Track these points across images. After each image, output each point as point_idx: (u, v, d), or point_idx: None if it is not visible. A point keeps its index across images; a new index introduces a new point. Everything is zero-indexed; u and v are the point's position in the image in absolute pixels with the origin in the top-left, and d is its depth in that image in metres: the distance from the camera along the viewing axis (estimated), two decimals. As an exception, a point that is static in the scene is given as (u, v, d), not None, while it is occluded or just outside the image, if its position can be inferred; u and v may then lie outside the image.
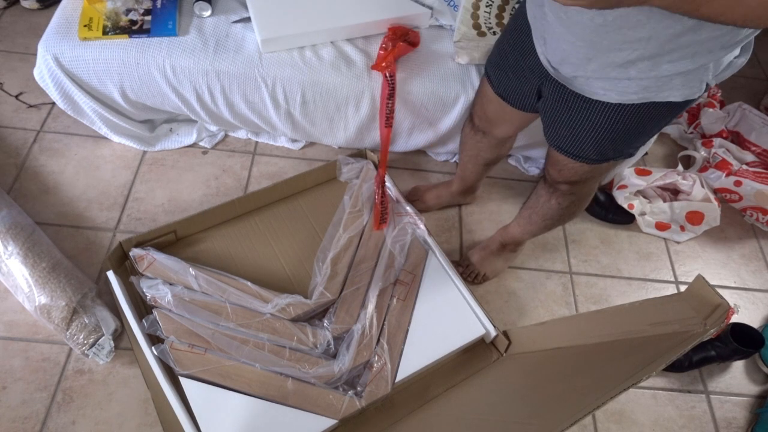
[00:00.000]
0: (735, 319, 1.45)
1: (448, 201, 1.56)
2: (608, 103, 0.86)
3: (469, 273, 1.44)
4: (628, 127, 0.89)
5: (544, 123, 1.03)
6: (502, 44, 1.06)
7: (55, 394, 1.18)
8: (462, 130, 1.33)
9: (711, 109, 1.79)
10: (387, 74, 1.38)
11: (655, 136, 1.50)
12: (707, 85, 0.81)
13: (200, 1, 1.39)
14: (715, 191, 1.68)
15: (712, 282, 1.38)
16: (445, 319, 1.27)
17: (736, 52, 0.78)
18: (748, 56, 0.81)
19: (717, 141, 1.74)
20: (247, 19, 1.42)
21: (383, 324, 1.24)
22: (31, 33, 1.77)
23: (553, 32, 0.84)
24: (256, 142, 1.64)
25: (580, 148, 0.97)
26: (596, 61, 0.79)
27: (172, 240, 1.32)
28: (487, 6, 1.31)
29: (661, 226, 1.61)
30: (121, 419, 1.16)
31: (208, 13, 1.41)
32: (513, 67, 1.02)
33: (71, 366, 1.21)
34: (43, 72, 1.36)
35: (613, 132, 0.91)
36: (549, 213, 1.20)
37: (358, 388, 1.16)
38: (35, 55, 1.35)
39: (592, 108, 0.89)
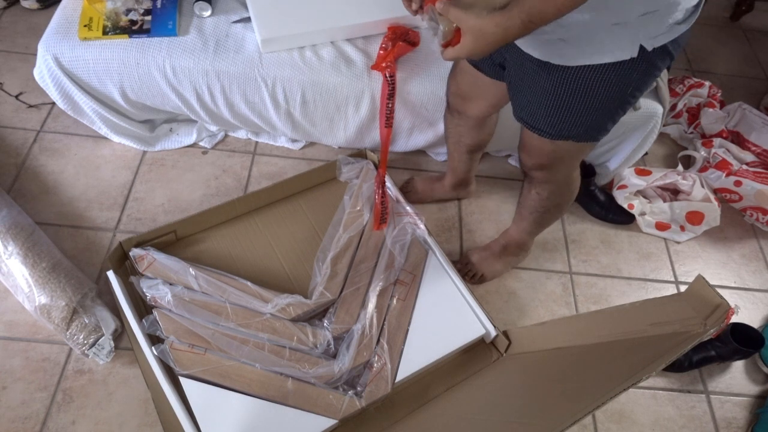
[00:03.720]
0: (735, 319, 1.45)
1: (442, 194, 1.57)
2: (552, 65, 0.88)
3: (467, 271, 1.44)
4: (572, 93, 0.90)
5: (509, 95, 1.05)
6: None
7: (55, 394, 1.18)
8: (443, 119, 1.35)
9: (711, 109, 1.79)
10: (387, 74, 1.38)
11: (654, 137, 1.51)
12: (643, 48, 0.81)
13: (200, 1, 1.39)
14: (715, 191, 1.68)
15: (712, 282, 1.38)
16: (445, 319, 1.27)
17: (678, 16, 0.79)
18: (690, 24, 0.83)
19: (717, 141, 1.74)
20: (247, 19, 1.42)
21: (383, 324, 1.24)
22: (31, 33, 1.77)
23: None
24: (256, 142, 1.64)
25: (533, 118, 0.99)
26: None
27: (172, 240, 1.32)
28: (487, 6, 1.31)
29: (661, 226, 1.61)
30: (121, 419, 1.16)
31: (208, 13, 1.41)
32: None
33: (71, 366, 1.21)
34: (43, 72, 1.36)
35: (558, 98, 0.92)
36: (532, 205, 1.21)
37: (358, 388, 1.16)
38: (35, 55, 1.35)
39: (540, 71, 0.91)
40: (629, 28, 0.79)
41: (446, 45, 0.75)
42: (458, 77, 1.19)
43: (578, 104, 0.92)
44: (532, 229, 1.32)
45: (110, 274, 1.22)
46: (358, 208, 1.39)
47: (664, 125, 1.83)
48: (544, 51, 0.88)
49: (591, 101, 0.91)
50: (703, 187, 1.60)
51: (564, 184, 1.17)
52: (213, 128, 1.61)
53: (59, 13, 1.39)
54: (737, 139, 1.79)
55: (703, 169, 1.72)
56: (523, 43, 0.91)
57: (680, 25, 0.81)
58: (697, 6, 0.81)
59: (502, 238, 1.42)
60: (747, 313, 1.52)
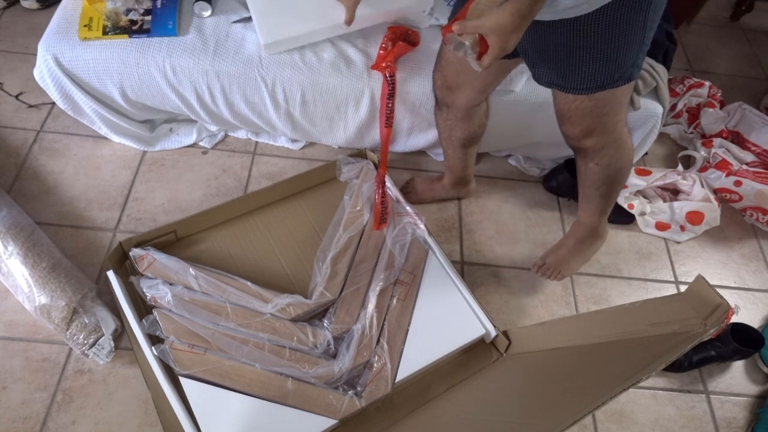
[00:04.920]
0: (735, 319, 1.45)
1: (442, 194, 1.56)
2: (567, 20, 0.87)
3: (545, 271, 1.41)
4: (597, 39, 0.88)
5: (529, 67, 1.03)
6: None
7: (55, 394, 1.18)
8: (434, 116, 1.34)
9: (711, 109, 1.79)
10: (387, 74, 1.38)
11: (654, 137, 1.51)
12: None
13: (200, 1, 1.39)
14: (715, 191, 1.68)
15: (712, 282, 1.38)
16: (445, 319, 1.27)
17: None
18: None
19: (717, 141, 1.74)
20: (248, 19, 1.42)
21: (383, 324, 1.24)
22: (31, 33, 1.77)
23: None
24: (256, 142, 1.64)
25: (565, 79, 0.97)
26: None
27: (172, 240, 1.32)
28: (487, 6, 1.31)
29: (661, 226, 1.61)
30: (121, 419, 1.16)
31: (208, 13, 1.41)
32: None
33: (71, 366, 1.21)
34: (43, 72, 1.36)
35: (584, 50, 0.90)
36: (596, 179, 1.18)
37: (358, 388, 1.16)
38: (35, 55, 1.35)
39: (557, 31, 0.89)
40: None
41: (479, 57, 0.79)
42: (444, 69, 1.17)
43: (606, 48, 0.90)
44: (602, 208, 1.28)
45: (110, 274, 1.22)
46: (358, 208, 1.39)
47: (664, 125, 1.83)
48: (553, 11, 0.86)
49: (617, 39, 0.89)
50: (703, 187, 1.60)
51: (619, 144, 1.13)
52: (213, 128, 1.61)
53: (59, 13, 1.39)
54: (737, 139, 1.79)
55: (703, 169, 1.72)
56: None
57: None
58: None
59: (574, 231, 1.38)
60: (747, 313, 1.52)
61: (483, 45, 0.77)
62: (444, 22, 1.49)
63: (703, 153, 1.74)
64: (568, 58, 0.93)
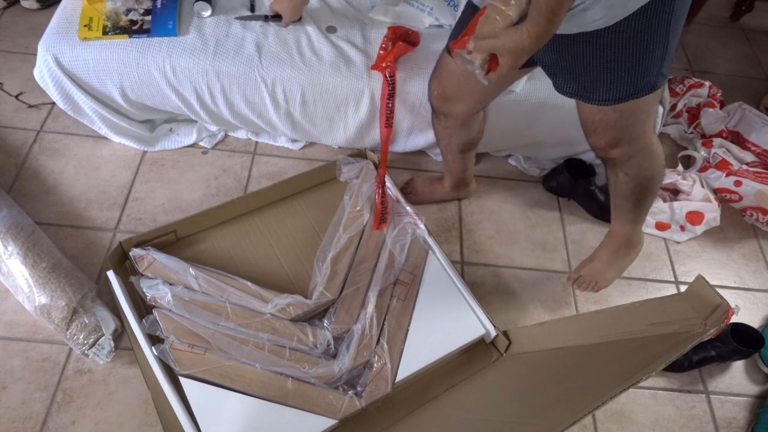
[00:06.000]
0: (735, 319, 1.45)
1: (442, 195, 1.56)
2: (588, 33, 0.86)
3: (580, 283, 1.38)
4: (618, 52, 0.88)
5: (548, 75, 1.02)
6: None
7: (55, 394, 1.18)
8: (431, 123, 1.34)
9: (711, 109, 1.79)
10: (387, 74, 1.38)
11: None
12: None
13: (200, 1, 1.39)
14: (715, 191, 1.68)
15: (712, 282, 1.38)
16: (445, 319, 1.27)
17: None
18: None
19: (717, 141, 1.74)
20: (248, 18, 1.42)
21: (383, 324, 1.24)
22: (31, 33, 1.77)
23: None
24: (256, 142, 1.64)
25: (586, 90, 0.96)
26: None
27: (172, 240, 1.32)
28: (487, 6, 1.31)
29: (661, 226, 1.61)
30: (121, 419, 1.16)
31: (208, 13, 1.41)
32: None
33: (71, 366, 1.21)
34: (43, 72, 1.36)
35: (606, 62, 0.90)
36: (625, 189, 1.16)
37: (358, 388, 1.16)
38: (35, 55, 1.35)
39: (577, 44, 0.89)
40: None
41: (487, 72, 0.80)
42: (444, 80, 1.16)
43: (627, 59, 0.89)
44: (634, 217, 1.24)
45: (110, 274, 1.22)
46: (358, 208, 1.39)
47: (664, 125, 1.83)
48: (573, 25, 0.85)
49: (638, 51, 0.88)
50: (703, 187, 1.60)
51: (648, 153, 1.09)
52: (213, 128, 1.61)
53: (59, 13, 1.39)
54: (737, 139, 1.79)
55: (703, 169, 1.72)
56: None
57: None
58: None
59: (607, 242, 1.33)
60: (747, 313, 1.52)
61: (493, 62, 0.78)
62: (444, 22, 1.49)
63: (703, 153, 1.74)
64: (589, 70, 0.92)
